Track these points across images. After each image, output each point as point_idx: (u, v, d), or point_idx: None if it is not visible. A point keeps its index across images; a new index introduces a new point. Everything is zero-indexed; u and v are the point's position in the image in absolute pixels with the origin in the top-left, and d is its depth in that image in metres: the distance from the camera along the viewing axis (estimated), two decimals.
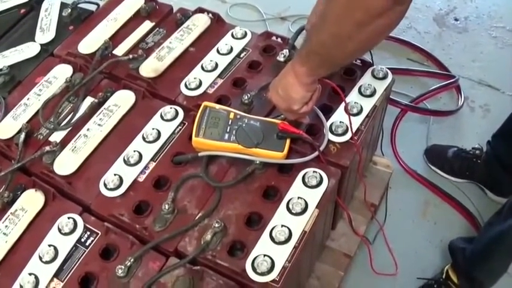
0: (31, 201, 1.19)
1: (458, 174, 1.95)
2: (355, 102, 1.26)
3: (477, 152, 1.93)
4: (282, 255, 1.04)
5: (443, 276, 1.66)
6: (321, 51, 1.02)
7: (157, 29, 1.51)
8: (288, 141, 1.17)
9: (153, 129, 1.24)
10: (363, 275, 1.63)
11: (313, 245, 1.23)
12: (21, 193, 1.21)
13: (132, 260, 1.05)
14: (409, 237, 1.78)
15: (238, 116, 1.19)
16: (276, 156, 1.16)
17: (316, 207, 1.11)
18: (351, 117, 1.22)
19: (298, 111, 1.15)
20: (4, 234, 1.14)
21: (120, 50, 1.44)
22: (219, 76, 1.36)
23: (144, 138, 1.24)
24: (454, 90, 2.24)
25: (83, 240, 1.12)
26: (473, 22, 2.53)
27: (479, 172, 1.92)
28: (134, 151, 1.21)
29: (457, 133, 2.11)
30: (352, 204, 1.53)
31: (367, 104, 1.27)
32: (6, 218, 1.17)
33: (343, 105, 1.26)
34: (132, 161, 1.20)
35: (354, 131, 1.22)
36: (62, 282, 1.07)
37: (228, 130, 1.17)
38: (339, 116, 1.26)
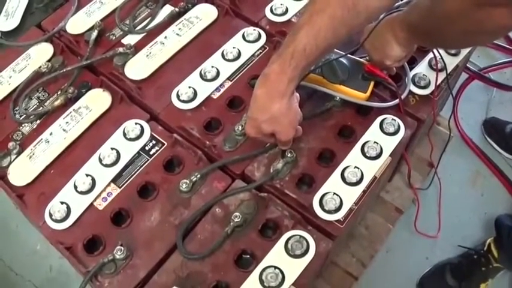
0: (97, 100, 1.15)
1: None
2: (440, 58, 1.20)
3: None
4: (351, 196, 1.01)
5: (485, 249, 1.64)
6: (425, 36, 0.99)
7: None
8: (372, 83, 1.12)
9: (233, 48, 1.19)
10: (405, 232, 1.62)
11: (374, 192, 1.20)
12: (86, 91, 1.17)
13: (198, 176, 1.03)
14: (454, 204, 1.76)
15: None
16: (359, 96, 1.11)
17: (390, 155, 1.07)
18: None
19: (389, 66, 1.10)
20: (64, 130, 1.12)
21: None
22: None
23: (223, 56, 1.19)
24: None
25: (147, 148, 1.09)
26: None
27: None
28: (212, 67, 1.17)
29: None
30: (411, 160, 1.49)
31: (451, 62, 1.21)
32: (68, 114, 1.14)
33: (427, 58, 1.21)
34: (208, 76, 1.16)
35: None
36: (119, 188, 1.05)
37: None
38: (421, 68, 1.20)
